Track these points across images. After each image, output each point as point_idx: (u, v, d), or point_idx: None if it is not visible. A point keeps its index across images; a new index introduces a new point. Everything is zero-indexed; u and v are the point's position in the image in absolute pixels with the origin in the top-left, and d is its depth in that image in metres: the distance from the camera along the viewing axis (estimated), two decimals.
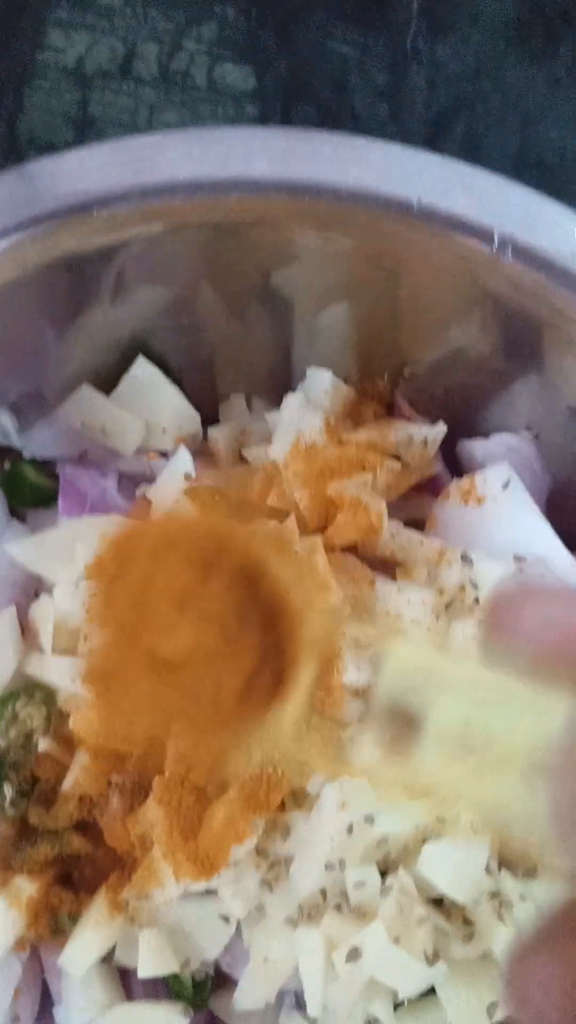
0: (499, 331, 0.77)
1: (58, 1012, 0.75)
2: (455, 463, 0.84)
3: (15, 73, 1.01)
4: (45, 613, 0.72)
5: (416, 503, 0.82)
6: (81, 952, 0.72)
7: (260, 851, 0.67)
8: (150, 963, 0.70)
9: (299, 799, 0.67)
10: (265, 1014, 0.74)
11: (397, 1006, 0.70)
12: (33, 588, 0.78)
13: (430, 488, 0.82)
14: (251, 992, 0.70)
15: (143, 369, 0.81)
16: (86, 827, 0.75)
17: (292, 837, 0.65)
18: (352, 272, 0.78)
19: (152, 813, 0.66)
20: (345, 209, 0.69)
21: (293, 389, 0.83)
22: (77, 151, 0.68)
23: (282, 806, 0.67)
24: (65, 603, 0.72)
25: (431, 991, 0.70)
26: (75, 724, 0.69)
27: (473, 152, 0.96)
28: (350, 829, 0.63)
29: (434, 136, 0.98)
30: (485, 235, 0.67)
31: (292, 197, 0.67)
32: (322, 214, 0.70)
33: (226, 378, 0.88)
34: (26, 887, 0.73)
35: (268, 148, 0.67)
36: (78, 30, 1.01)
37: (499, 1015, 0.68)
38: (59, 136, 1.01)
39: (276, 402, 0.83)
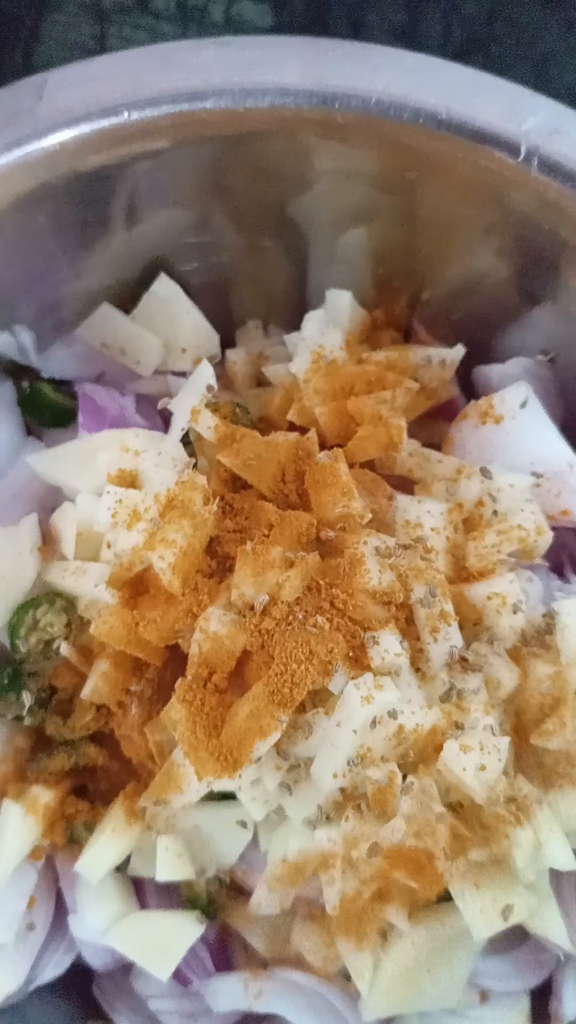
0: (518, 253, 0.78)
1: (72, 921, 0.75)
2: (470, 389, 0.85)
3: (33, 6, 1.01)
4: (67, 520, 0.72)
5: (432, 427, 0.83)
6: (98, 859, 0.72)
7: (281, 752, 0.67)
8: (167, 868, 0.71)
9: (321, 699, 0.67)
10: (278, 924, 0.75)
11: (410, 914, 0.71)
12: (51, 502, 0.78)
13: (446, 413, 0.83)
14: (268, 897, 0.70)
15: (165, 286, 0.81)
16: (102, 739, 0.76)
17: (314, 735, 0.66)
18: (370, 196, 0.79)
19: (175, 712, 0.66)
20: (371, 120, 0.69)
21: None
22: (108, 56, 0.69)
23: (302, 708, 0.67)
24: (88, 510, 0.72)
25: (443, 899, 0.71)
26: (97, 629, 0.69)
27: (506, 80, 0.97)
28: (373, 723, 0.64)
29: None
30: (512, 146, 0.67)
31: (323, 106, 0.67)
32: (348, 125, 0.70)
33: (242, 303, 0.89)
34: (42, 795, 0.74)
35: (298, 56, 0.67)
36: None
37: (515, 918, 0.69)
38: None
39: (292, 328, 0.84)
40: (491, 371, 0.82)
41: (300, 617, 0.67)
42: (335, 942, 0.72)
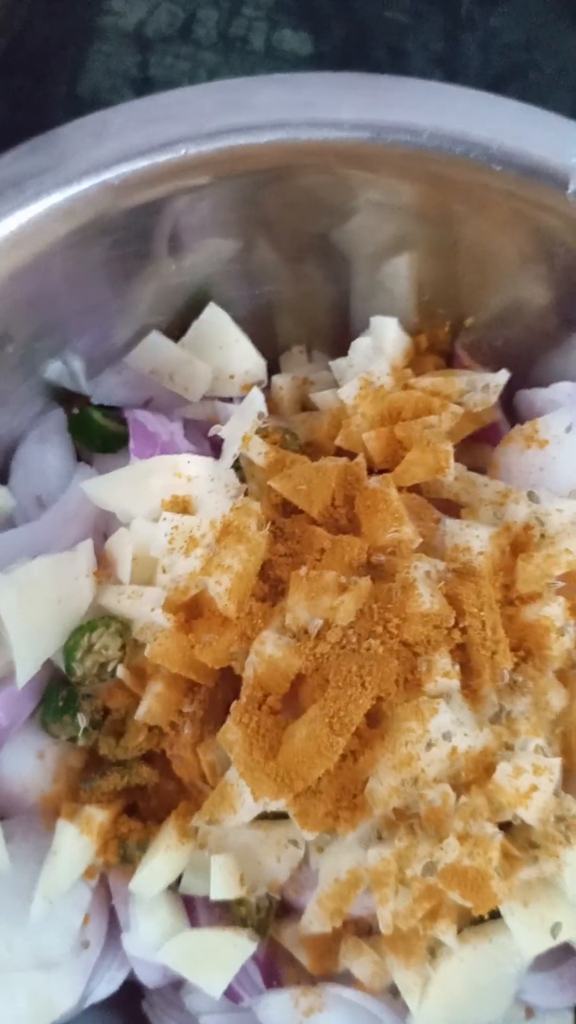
0: (560, 281, 0.79)
1: (126, 938, 0.76)
2: (513, 414, 0.86)
3: (76, 36, 1.03)
4: (124, 545, 0.74)
5: (476, 452, 0.84)
6: (151, 877, 0.73)
7: (333, 773, 0.69)
8: (221, 887, 0.72)
9: (376, 720, 0.69)
10: (327, 941, 0.76)
11: (458, 931, 0.72)
12: (103, 526, 0.80)
13: (489, 438, 0.84)
14: (319, 915, 0.72)
15: (214, 314, 0.83)
16: (153, 759, 0.77)
17: (367, 757, 0.67)
18: (414, 226, 0.80)
19: (231, 734, 0.68)
20: (422, 154, 0.71)
21: (352, 340, 0.85)
22: (165, 94, 0.70)
23: (358, 731, 0.69)
24: (143, 535, 0.73)
25: (491, 916, 0.72)
26: (153, 652, 0.71)
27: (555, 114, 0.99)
28: (428, 745, 0.65)
29: None
30: (561, 179, 0.69)
31: (377, 139, 0.69)
32: (398, 159, 0.72)
33: (287, 330, 0.90)
34: (96, 815, 0.75)
35: (354, 92, 0.69)
36: None
37: (563, 936, 0.70)
38: (120, 97, 1.03)
39: (335, 354, 0.85)
40: (534, 395, 0.83)
41: (354, 641, 0.68)
42: (384, 959, 0.74)
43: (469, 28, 1.01)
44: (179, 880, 0.76)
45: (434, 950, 0.73)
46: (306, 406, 0.87)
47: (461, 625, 0.70)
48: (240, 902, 0.75)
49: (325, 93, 0.68)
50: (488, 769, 0.68)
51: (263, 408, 0.77)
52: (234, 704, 0.69)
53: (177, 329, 0.86)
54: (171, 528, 0.71)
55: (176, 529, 0.71)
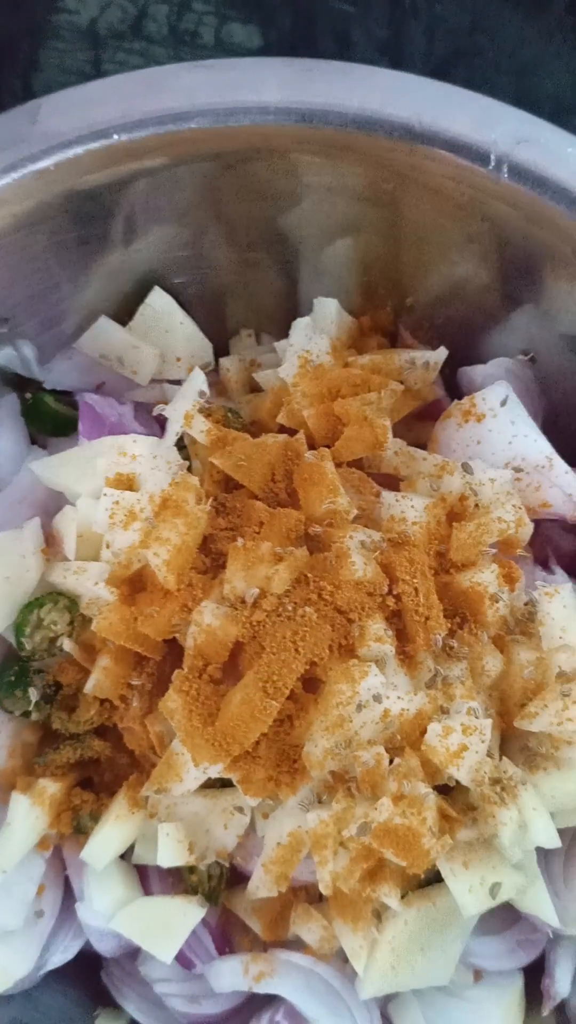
0: (498, 259, 0.81)
1: (80, 908, 0.78)
2: (455, 391, 0.88)
3: (30, 33, 1.05)
4: (69, 522, 0.76)
5: (420, 428, 0.86)
6: (103, 847, 0.75)
7: (272, 738, 0.70)
8: (169, 854, 0.74)
9: (309, 686, 0.70)
10: (277, 908, 0.78)
11: (403, 895, 0.74)
12: (54, 506, 0.82)
13: (432, 415, 0.86)
14: (265, 880, 0.73)
15: (159, 299, 0.85)
16: (105, 732, 0.79)
17: (303, 721, 0.69)
18: (355, 206, 0.82)
19: (172, 702, 0.69)
20: (349, 135, 0.72)
21: None
22: (97, 82, 0.72)
23: (292, 694, 0.70)
24: (87, 513, 0.75)
25: (435, 880, 0.74)
26: (98, 626, 0.73)
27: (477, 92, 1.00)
28: (359, 707, 0.67)
29: None
30: (482, 155, 0.71)
31: (302, 123, 0.71)
32: (328, 140, 0.74)
33: (235, 313, 0.92)
34: (49, 787, 0.77)
35: (277, 76, 0.71)
36: None
37: (503, 895, 0.71)
38: None
39: (283, 336, 0.87)
40: (474, 372, 0.85)
41: (289, 608, 0.70)
42: (332, 924, 0.75)
43: (413, 15, 1.03)
44: (132, 850, 0.78)
45: (380, 914, 0.75)
46: (255, 388, 0.89)
47: (395, 592, 0.71)
48: (191, 870, 0.77)
49: (250, 78, 0.70)
50: (423, 732, 0.70)
51: (204, 387, 0.79)
52: (176, 673, 0.71)
53: (127, 314, 0.87)
54: (112, 503, 0.73)
55: (117, 504, 0.73)
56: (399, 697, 0.69)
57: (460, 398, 0.86)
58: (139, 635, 0.73)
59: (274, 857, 0.72)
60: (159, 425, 0.86)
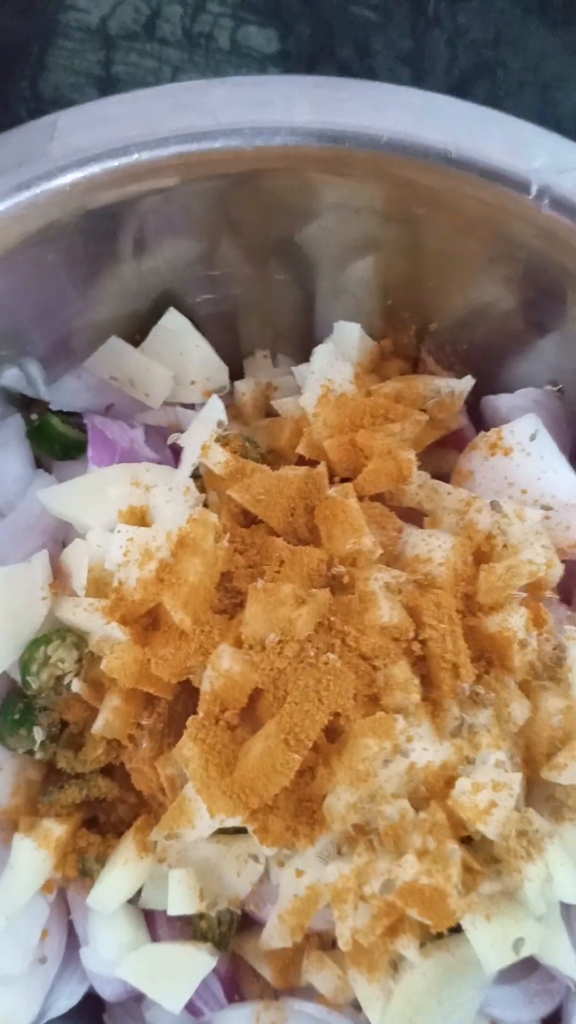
0: (525, 285, 0.78)
1: (84, 953, 0.75)
2: (478, 419, 0.85)
3: (39, 33, 1.01)
4: (79, 557, 0.73)
5: (441, 457, 0.83)
6: (109, 892, 0.72)
7: (291, 789, 0.68)
8: (180, 902, 0.71)
9: (331, 735, 0.68)
10: (289, 955, 0.75)
11: (421, 945, 0.72)
12: (62, 536, 0.79)
13: (455, 443, 0.83)
14: (279, 930, 0.71)
15: (174, 320, 0.82)
16: (112, 771, 0.76)
17: (324, 772, 0.66)
18: (377, 229, 0.79)
19: (187, 750, 0.67)
20: (381, 157, 0.69)
21: (317, 344, 0.84)
22: (117, 97, 0.69)
23: (315, 745, 0.68)
24: (99, 547, 0.72)
25: (454, 930, 0.71)
26: (109, 666, 0.70)
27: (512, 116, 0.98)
28: (385, 761, 0.64)
29: None
30: (522, 184, 0.68)
31: (332, 144, 0.68)
32: (358, 162, 0.71)
33: (251, 334, 0.89)
34: (55, 829, 0.74)
35: (307, 95, 0.68)
36: None
37: (526, 951, 0.69)
38: (83, 95, 1.02)
39: (300, 358, 0.84)
40: (500, 401, 0.82)
41: (312, 654, 0.67)
42: (346, 973, 0.73)
43: (436, 25, 1.00)
44: (139, 893, 0.75)
45: (396, 964, 0.72)
46: (270, 411, 0.86)
47: (421, 637, 0.69)
48: (201, 916, 0.74)
49: (280, 98, 0.67)
50: (448, 783, 0.67)
51: (223, 416, 0.76)
52: (190, 719, 0.68)
53: (138, 334, 0.84)
54: (126, 540, 0.70)
55: (131, 541, 0.70)
56: (424, 748, 0.66)
57: (483, 427, 0.83)
58: (151, 676, 0.70)
59: (290, 908, 0.70)
60: (171, 451, 0.83)
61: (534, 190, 0.67)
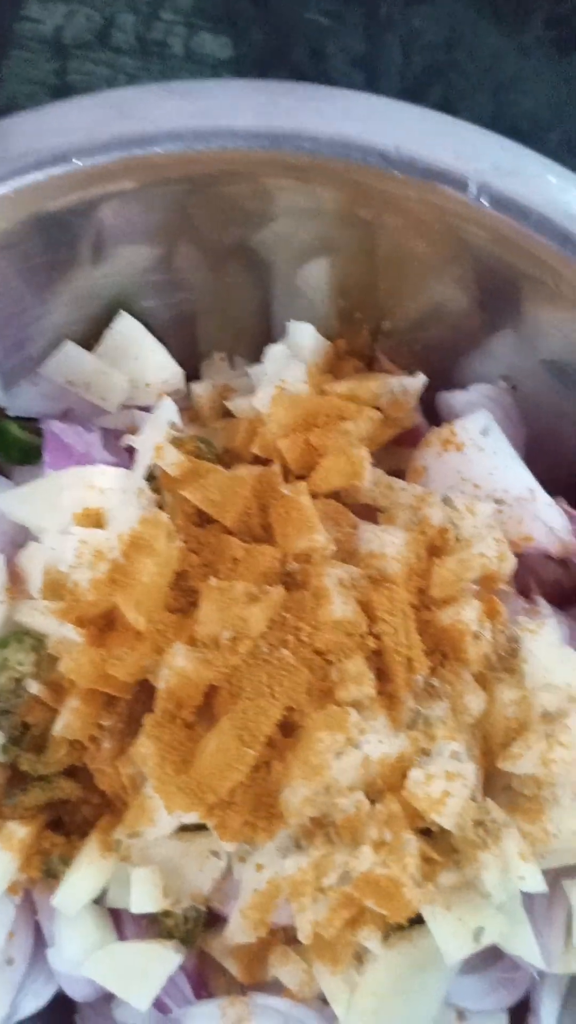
0: (477, 284, 0.79)
1: (51, 954, 0.76)
2: (434, 417, 0.86)
3: None
4: (34, 560, 0.73)
5: (397, 455, 0.84)
6: (74, 892, 0.73)
7: (248, 784, 0.68)
8: (143, 900, 0.72)
9: (286, 730, 0.68)
10: (255, 950, 0.76)
11: (384, 937, 0.72)
12: (21, 539, 0.79)
13: (410, 441, 0.84)
14: (242, 925, 0.71)
15: (125, 324, 0.82)
16: (76, 772, 0.77)
17: (280, 766, 0.67)
18: (330, 228, 0.80)
19: (144, 748, 0.67)
20: (325, 160, 0.70)
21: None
22: (58, 104, 0.70)
23: (270, 740, 0.68)
24: (54, 550, 0.73)
25: (417, 921, 0.72)
26: (65, 667, 0.70)
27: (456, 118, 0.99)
28: (338, 754, 0.65)
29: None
30: (462, 183, 0.69)
31: (273, 147, 0.68)
32: (302, 166, 0.71)
33: (207, 336, 0.90)
34: (18, 831, 0.74)
35: (250, 100, 0.69)
36: (55, 1, 1.03)
37: (486, 939, 0.70)
38: (38, 105, 1.02)
39: (257, 360, 0.85)
40: (453, 398, 0.83)
41: (265, 651, 0.68)
42: (311, 967, 0.73)
43: (390, 29, 1.01)
44: (105, 893, 0.75)
45: (361, 956, 0.73)
46: (228, 413, 0.87)
47: (375, 631, 0.69)
48: (167, 914, 0.75)
49: (221, 102, 0.68)
50: (405, 774, 0.68)
51: (175, 417, 0.76)
52: (147, 717, 0.69)
53: (94, 338, 0.85)
54: (79, 542, 0.71)
55: (84, 543, 0.71)
56: (380, 741, 0.67)
57: (438, 424, 0.84)
58: (108, 677, 0.71)
59: (251, 903, 0.70)
60: (129, 454, 0.83)
61: (473, 190, 0.68)
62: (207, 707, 0.70)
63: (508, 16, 1.02)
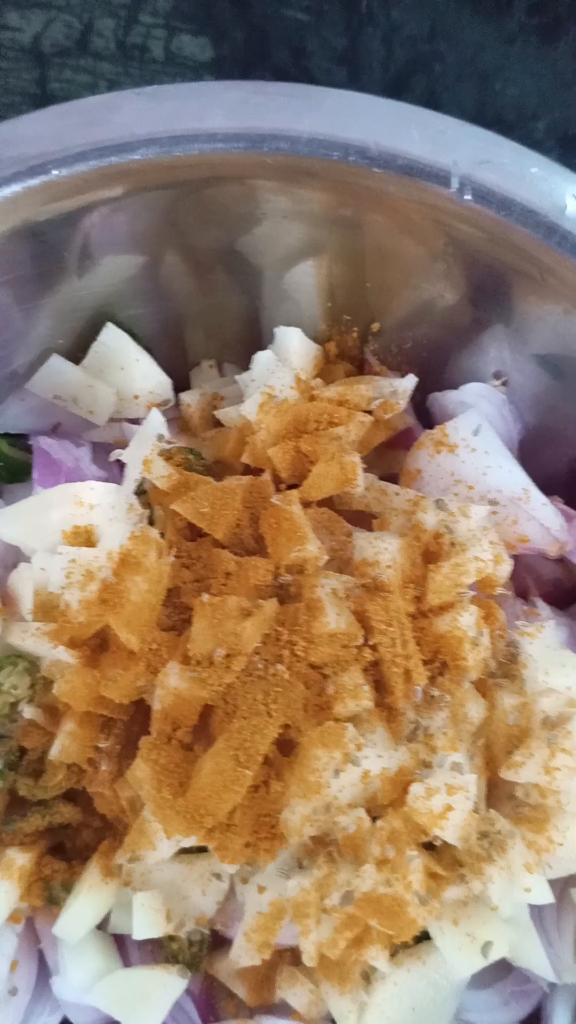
0: (464, 279, 0.77)
1: (55, 982, 0.74)
2: (427, 418, 0.84)
3: None
4: (24, 581, 0.72)
5: (392, 458, 0.82)
6: (76, 919, 0.71)
7: (247, 804, 0.67)
8: (145, 926, 0.70)
9: (284, 747, 0.67)
10: (262, 972, 0.74)
11: (392, 955, 0.71)
12: (12, 559, 0.78)
13: (404, 443, 0.82)
14: (247, 947, 0.70)
15: (112, 335, 0.81)
16: (75, 796, 0.75)
17: (279, 785, 0.65)
18: (316, 229, 0.78)
19: (139, 771, 0.66)
20: (304, 159, 0.69)
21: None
22: (30, 115, 0.68)
23: (267, 758, 0.67)
24: (44, 571, 0.71)
25: (425, 937, 0.70)
26: (60, 690, 0.69)
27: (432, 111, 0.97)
28: (336, 771, 0.63)
29: (393, 97, 0.98)
30: (443, 177, 0.67)
31: (250, 148, 0.67)
32: (283, 166, 0.70)
33: (196, 344, 0.88)
34: (18, 858, 0.73)
35: (223, 101, 0.67)
36: (33, 8, 1.01)
37: (495, 954, 0.68)
38: (18, 115, 1.00)
39: (247, 366, 0.83)
40: (445, 398, 0.81)
41: (260, 667, 0.66)
42: (319, 987, 0.72)
43: (370, 23, 0.99)
44: (108, 918, 0.74)
45: (368, 975, 0.71)
46: (218, 422, 0.85)
47: (371, 642, 0.68)
48: (172, 938, 0.73)
49: (194, 105, 0.66)
50: (406, 788, 0.66)
51: (164, 430, 0.75)
52: (142, 740, 0.67)
53: (80, 351, 0.83)
54: (68, 562, 0.69)
55: (73, 563, 0.69)
56: (379, 755, 0.65)
57: (432, 425, 0.82)
58: (103, 699, 0.69)
59: (255, 925, 0.69)
60: (119, 468, 0.82)
61: (455, 184, 0.66)
62: (204, 727, 0.68)
63: (488, 4, 1.00)
